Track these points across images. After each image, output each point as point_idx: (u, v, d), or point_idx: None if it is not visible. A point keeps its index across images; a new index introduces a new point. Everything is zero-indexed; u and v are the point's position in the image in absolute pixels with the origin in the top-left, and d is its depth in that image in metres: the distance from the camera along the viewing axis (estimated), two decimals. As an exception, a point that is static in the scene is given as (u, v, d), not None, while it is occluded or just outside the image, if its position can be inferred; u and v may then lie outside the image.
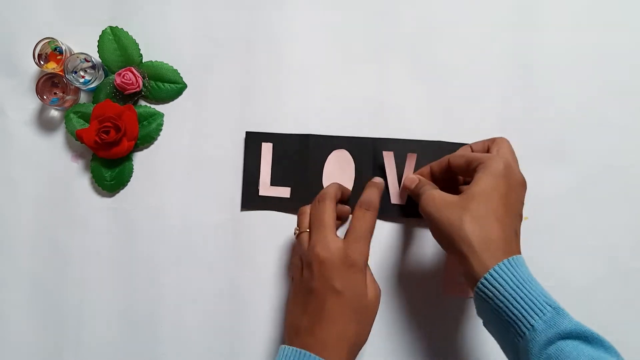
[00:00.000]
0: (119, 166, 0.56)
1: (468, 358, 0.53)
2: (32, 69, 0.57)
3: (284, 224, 0.55)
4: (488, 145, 0.48)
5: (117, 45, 0.55)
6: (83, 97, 0.57)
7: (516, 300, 0.38)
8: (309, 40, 0.56)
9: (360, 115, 0.55)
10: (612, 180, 0.54)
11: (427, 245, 0.54)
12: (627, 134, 0.54)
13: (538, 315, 0.37)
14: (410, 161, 0.52)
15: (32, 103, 0.57)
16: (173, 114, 0.56)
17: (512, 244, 0.41)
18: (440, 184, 0.50)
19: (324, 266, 0.43)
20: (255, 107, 0.56)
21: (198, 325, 0.55)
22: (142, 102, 0.57)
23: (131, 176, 0.56)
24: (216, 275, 0.55)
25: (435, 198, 0.44)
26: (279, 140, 0.55)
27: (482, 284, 0.39)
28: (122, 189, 0.56)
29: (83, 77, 0.55)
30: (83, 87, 0.55)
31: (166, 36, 0.56)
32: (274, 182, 0.55)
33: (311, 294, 0.44)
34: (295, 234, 0.49)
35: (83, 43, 0.56)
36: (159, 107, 0.56)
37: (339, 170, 0.54)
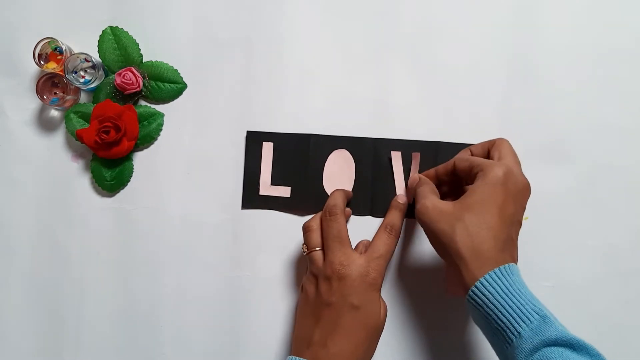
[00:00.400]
0: (119, 166, 0.56)
1: (473, 359, 0.53)
2: (32, 69, 0.57)
3: (284, 224, 0.55)
4: (488, 148, 0.48)
5: (117, 45, 0.55)
6: (83, 97, 0.57)
7: (504, 308, 0.39)
8: (309, 40, 0.56)
9: (360, 115, 0.55)
10: (612, 180, 0.54)
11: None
12: (627, 134, 0.54)
13: (525, 323, 0.38)
14: (416, 160, 0.53)
15: (32, 103, 0.57)
16: (173, 114, 0.56)
17: (504, 253, 0.41)
18: (447, 185, 0.50)
19: (344, 282, 0.44)
20: (256, 107, 0.56)
21: (198, 325, 0.55)
22: (142, 102, 0.57)
23: (131, 176, 0.56)
24: (216, 275, 0.55)
25: (428, 208, 0.44)
26: (280, 140, 0.55)
27: (472, 292, 0.40)
28: (122, 188, 0.56)
29: (83, 77, 0.55)
30: (83, 87, 0.55)
31: (166, 36, 0.56)
32: (275, 181, 0.55)
33: (327, 308, 0.45)
34: (304, 252, 0.49)
35: (83, 43, 0.56)
36: (159, 107, 0.56)
37: (339, 170, 0.54)
